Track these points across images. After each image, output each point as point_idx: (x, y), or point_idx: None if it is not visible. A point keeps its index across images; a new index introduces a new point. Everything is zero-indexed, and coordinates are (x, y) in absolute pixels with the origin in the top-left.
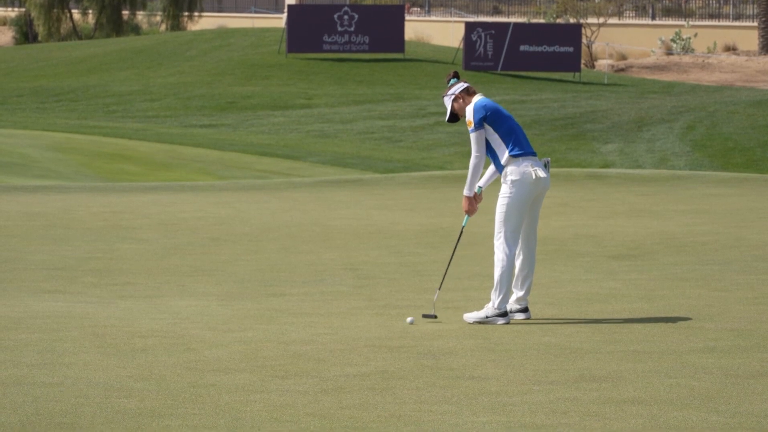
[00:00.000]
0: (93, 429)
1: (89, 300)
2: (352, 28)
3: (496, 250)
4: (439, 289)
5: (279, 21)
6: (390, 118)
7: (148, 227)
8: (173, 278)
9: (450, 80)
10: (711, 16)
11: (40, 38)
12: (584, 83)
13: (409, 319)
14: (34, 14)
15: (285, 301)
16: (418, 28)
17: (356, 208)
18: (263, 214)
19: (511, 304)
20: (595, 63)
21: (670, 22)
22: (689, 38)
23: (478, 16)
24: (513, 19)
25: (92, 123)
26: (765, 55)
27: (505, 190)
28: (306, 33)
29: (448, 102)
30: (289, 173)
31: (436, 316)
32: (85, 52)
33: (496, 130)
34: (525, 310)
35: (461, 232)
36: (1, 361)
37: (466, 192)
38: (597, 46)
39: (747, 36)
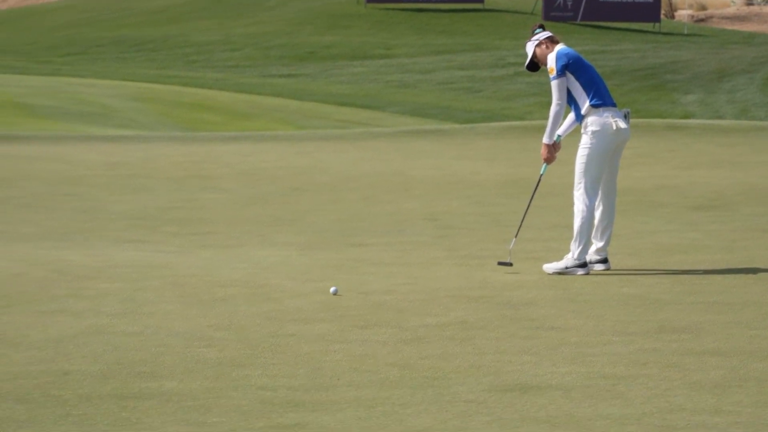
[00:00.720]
0: (173, 378)
1: (170, 249)
2: None
3: (575, 200)
4: (516, 237)
5: None
6: (470, 69)
7: (229, 177)
8: (254, 228)
9: (535, 30)
10: None
11: None
12: (664, 34)
13: (332, 289)
14: None
15: (365, 251)
16: None
17: (436, 158)
18: (343, 163)
19: (591, 255)
20: (675, 13)
21: None
22: None
23: None
24: None
25: (172, 73)
26: None
27: (585, 140)
28: None
29: (530, 47)
30: (368, 123)
31: (511, 264)
32: (165, 1)
33: (577, 78)
34: (605, 260)
35: (539, 180)
36: (83, 310)
37: (545, 140)
38: None
39: None
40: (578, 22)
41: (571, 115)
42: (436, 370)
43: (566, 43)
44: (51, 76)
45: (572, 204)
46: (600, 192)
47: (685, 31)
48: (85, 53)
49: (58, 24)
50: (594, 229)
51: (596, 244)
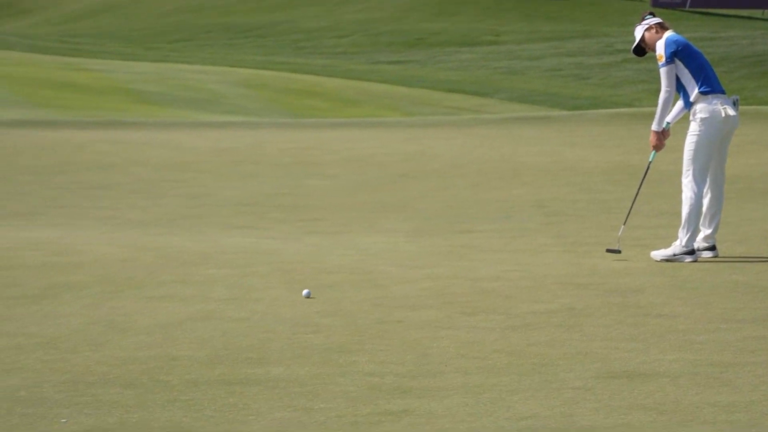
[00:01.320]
0: (280, 364)
1: (277, 236)
2: None
3: (684, 188)
4: (624, 224)
5: None
6: (578, 55)
7: (336, 163)
8: (361, 214)
9: (645, 17)
10: None
11: None
12: None
13: (305, 291)
14: None
15: (473, 238)
16: None
17: (544, 145)
18: (451, 150)
19: (699, 242)
20: None
21: None
22: None
23: None
24: None
25: (281, 59)
26: None
27: (693, 128)
28: None
29: (639, 31)
30: (477, 110)
31: (620, 251)
32: None
33: (686, 65)
34: (713, 248)
35: (648, 167)
36: (191, 296)
37: (654, 127)
38: None
39: None
40: (687, 8)
41: (680, 102)
42: (544, 356)
43: (675, 30)
44: (160, 62)
45: (680, 191)
46: (708, 179)
47: None
48: (193, 39)
49: (167, 10)
50: (702, 216)
51: (704, 232)
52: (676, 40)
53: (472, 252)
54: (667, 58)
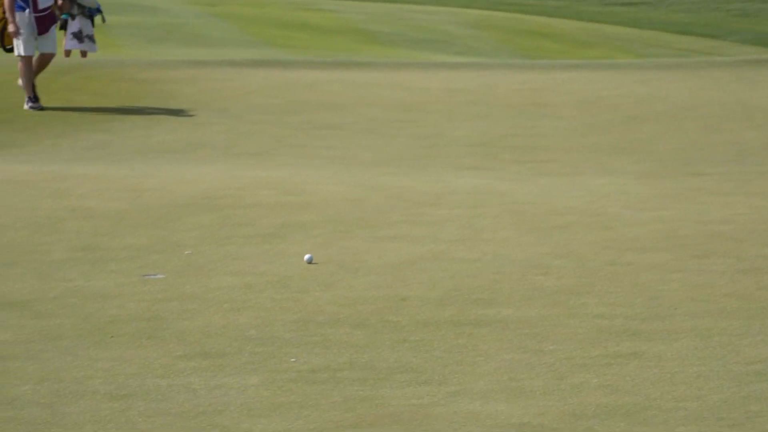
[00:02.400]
0: (510, 305)
1: (508, 177)
2: None
3: None
4: None
5: None
6: None
7: (568, 105)
8: (592, 156)
9: None
10: None
11: None
12: None
13: (306, 256)
14: None
15: (704, 181)
16: None
17: None
18: (683, 93)
19: None
20: None
21: None
22: None
23: None
24: None
25: (512, 0)
26: None
27: None
28: None
29: None
30: (708, 52)
31: None
32: None
33: None
34: None
35: None
36: (421, 237)
37: None
38: None
39: None
40: None
41: None
42: None
43: None
44: (391, 3)
45: None
46: None
47: None
48: None
49: None
50: None
51: None
52: None
53: (702, 195)
54: None
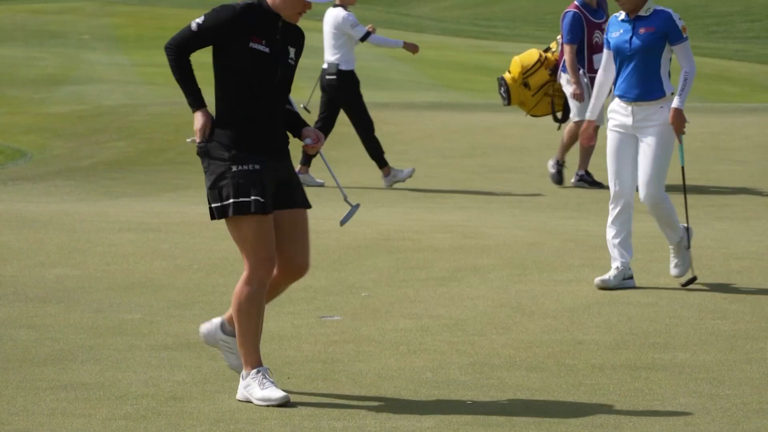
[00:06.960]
0: (686, 350)
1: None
2: None
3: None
4: None
5: None
6: None
7: (747, 149)
8: None
9: None
10: None
11: None
12: None
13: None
14: None
15: None
16: None
17: None
18: None
19: None
20: None
21: None
22: None
23: None
24: None
25: (693, 43)
26: None
27: None
28: None
29: None
30: None
31: None
32: None
33: None
34: None
35: None
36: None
37: None
38: None
39: None
40: None
41: None
42: None
43: None
44: None
45: None
46: None
47: None
48: None
49: None
50: None
51: None
52: None
53: None
54: None
